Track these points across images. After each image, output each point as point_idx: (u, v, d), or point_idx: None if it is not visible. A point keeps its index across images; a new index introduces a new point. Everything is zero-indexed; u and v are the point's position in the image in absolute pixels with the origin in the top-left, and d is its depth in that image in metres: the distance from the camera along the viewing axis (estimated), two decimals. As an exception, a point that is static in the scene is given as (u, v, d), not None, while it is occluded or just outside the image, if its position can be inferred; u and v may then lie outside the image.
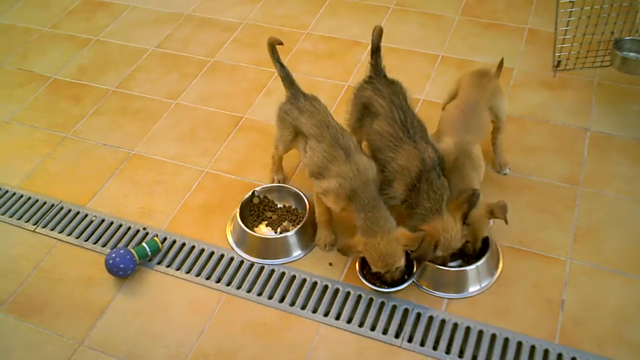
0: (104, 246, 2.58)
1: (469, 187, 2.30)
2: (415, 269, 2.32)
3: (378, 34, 2.47)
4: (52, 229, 2.66)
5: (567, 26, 2.74)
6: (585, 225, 2.51)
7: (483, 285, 2.34)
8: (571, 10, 2.69)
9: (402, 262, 2.23)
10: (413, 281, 2.36)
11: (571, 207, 2.57)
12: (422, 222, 2.25)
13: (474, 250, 2.34)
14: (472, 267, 2.32)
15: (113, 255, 2.41)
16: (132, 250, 2.45)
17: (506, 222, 2.28)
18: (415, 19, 3.63)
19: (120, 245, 2.58)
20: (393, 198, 2.32)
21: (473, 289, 2.34)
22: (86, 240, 2.61)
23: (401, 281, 2.29)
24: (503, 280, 2.36)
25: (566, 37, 2.78)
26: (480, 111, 2.49)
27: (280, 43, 2.50)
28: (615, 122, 2.91)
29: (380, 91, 2.43)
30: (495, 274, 2.38)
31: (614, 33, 2.84)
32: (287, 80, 2.53)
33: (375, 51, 2.49)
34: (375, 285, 2.32)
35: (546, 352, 2.15)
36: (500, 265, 2.40)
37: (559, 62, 2.89)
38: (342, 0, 3.82)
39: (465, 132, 2.41)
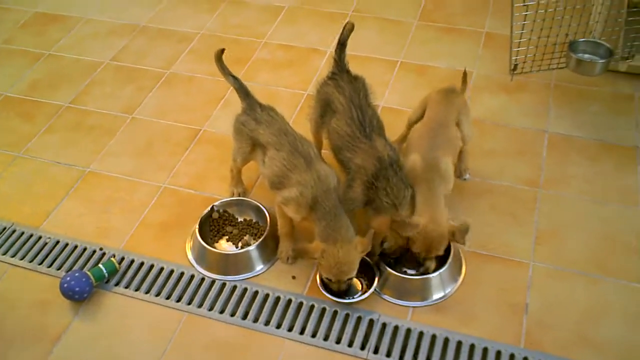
0: (59, 269, 2.50)
1: (436, 200, 2.30)
2: (377, 279, 2.30)
3: (349, 29, 2.46)
4: (4, 254, 2.56)
5: (522, 30, 2.75)
6: (546, 227, 2.51)
7: (447, 291, 2.33)
8: (526, 14, 2.70)
9: (354, 273, 2.20)
10: (376, 291, 2.33)
11: (532, 210, 2.58)
12: (378, 213, 2.23)
13: (425, 263, 2.32)
14: (435, 274, 2.30)
15: (68, 278, 2.33)
16: (87, 272, 2.37)
17: (464, 244, 2.27)
18: (373, 25, 3.62)
19: (76, 267, 2.50)
20: (354, 200, 2.29)
21: (437, 295, 2.32)
22: (40, 264, 2.52)
23: (352, 292, 2.30)
24: (467, 286, 2.34)
25: (522, 40, 2.79)
26: (449, 127, 2.48)
27: (223, 50, 2.49)
28: (572, 123, 2.93)
29: (341, 88, 2.42)
30: (459, 280, 2.36)
31: (569, 35, 2.86)
32: (242, 91, 2.50)
33: (341, 46, 2.47)
34: (334, 295, 2.29)
35: (512, 356, 2.14)
36: (463, 270, 2.39)
37: (516, 65, 2.90)
38: (300, 8, 3.79)
39: (434, 148, 2.39)
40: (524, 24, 2.73)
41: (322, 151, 2.66)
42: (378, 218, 2.25)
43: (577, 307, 2.26)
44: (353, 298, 2.28)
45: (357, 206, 2.31)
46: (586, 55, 2.84)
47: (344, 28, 2.46)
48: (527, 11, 2.68)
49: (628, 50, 2.91)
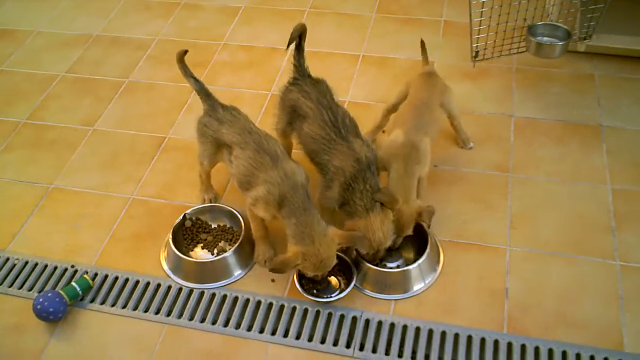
0: (30, 290, 2.42)
1: (409, 181, 2.31)
2: (354, 275, 2.29)
3: (297, 30, 2.40)
4: (-29, 279, 2.48)
5: (481, 17, 2.76)
6: (519, 211, 2.53)
7: (427, 281, 2.33)
8: (483, 1, 2.71)
9: (335, 261, 2.20)
10: (357, 286, 2.32)
11: (504, 195, 2.60)
12: (351, 217, 2.23)
13: (394, 245, 2.35)
14: (414, 265, 2.30)
15: (40, 299, 2.26)
16: (60, 291, 2.30)
17: (429, 226, 2.30)
18: (331, 20, 3.61)
19: (48, 287, 2.42)
20: (331, 199, 2.28)
21: (417, 287, 2.32)
22: (10, 286, 2.44)
23: (332, 290, 2.30)
24: (446, 275, 2.35)
25: (481, 27, 2.81)
26: (433, 108, 2.51)
27: (185, 52, 2.45)
28: (536, 105, 2.96)
29: (307, 93, 2.39)
30: (438, 269, 2.37)
31: (527, 19, 2.89)
32: (203, 92, 2.45)
33: (298, 51, 2.44)
34: (314, 295, 2.28)
35: (496, 342, 2.15)
36: (442, 259, 2.40)
37: (477, 52, 2.91)
38: (256, 8, 3.75)
39: (417, 127, 2.41)
40: (482, 10, 2.75)
41: (293, 151, 2.63)
42: (351, 222, 2.24)
43: (556, 288, 2.28)
44: (332, 297, 2.26)
45: (332, 205, 2.29)
46: (545, 39, 2.87)
47: (294, 31, 2.39)
48: (484, -2, 2.70)
49: (585, 31, 2.95)
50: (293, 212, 2.14)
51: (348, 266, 2.33)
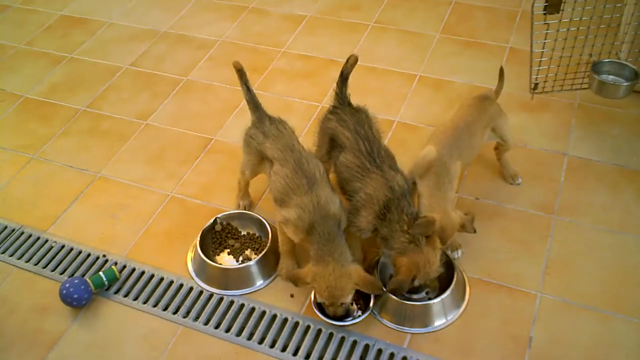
0: (62, 274, 2.50)
1: (442, 198, 2.25)
2: (372, 302, 2.23)
3: (352, 64, 2.40)
4: (11, 255, 2.58)
5: (543, 48, 2.65)
6: (558, 257, 2.41)
7: (449, 318, 2.25)
8: (547, 32, 2.59)
9: (349, 299, 2.14)
10: (374, 313, 2.26)
11: (545, 237, 2.47)
12: (401, 254, 2.15)
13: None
14: (437, 300, 2.23)
15: (67, 285, 2.33)
16: (87, 279, 2.37)
17: (474, 231, 2.24)
18: (394, 36, 3.55)
19: (78, 273, 2.50)
20: (362, 230, 2.24)
21: (439, 322, 2.24)
22: (44, 268, 2.53)
23: (348, 315, 2.23)
24: (469, 314, 2.26)
25: (543, 59, 2.69)
26: (474, 131, 2.43)
27: (239, 67, 2.44)
28: (594, 146, 2.81)
29: (345, 122, 2.36)
30: (462, 306, 2.28)
31: (592, 55, 2.75)
32: (253, 103, 2.47)
33: (343, 80, 2.42)
34: (328, 316, 2.23)
35: (511, 393, 2.06)
36: (467, 297, 2.31)
37: (536, 84, 2.79)
38: (321, 18, 3.74)
39: (452, 148, 2.34)
40: (545, 42, 2.63)
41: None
42: (403, 262, 2.14)
43: (584, 344, 2.15)
44: (346, 321, 2.21)
45: (363, 234, 2.25)
46: (610, 77, 2.73)
47: (347, 62, 2.38)
48: (547, 29, 2.58)
49: (656, 73, 2.77)
50: (318, 239, 2.12)
51: (365, 293, 2.26)
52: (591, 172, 2.70)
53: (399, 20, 3.66)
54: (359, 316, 2.22)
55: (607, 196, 2.60)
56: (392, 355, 2.17)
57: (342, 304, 2.14)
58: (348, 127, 2.33)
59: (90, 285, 2.36)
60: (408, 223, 2.14)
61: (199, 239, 2.47)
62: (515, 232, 2.50)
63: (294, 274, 2.16)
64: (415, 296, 2.31)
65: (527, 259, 2.41)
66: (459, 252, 2.44)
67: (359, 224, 2.23)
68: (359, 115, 2.37)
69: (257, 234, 2.56)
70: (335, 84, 2.44)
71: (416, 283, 2.18)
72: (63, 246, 2.60)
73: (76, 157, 2.99)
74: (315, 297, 2.25)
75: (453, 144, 2.36)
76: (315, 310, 2.23)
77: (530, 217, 2.55)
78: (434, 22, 3.62)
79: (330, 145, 2.43)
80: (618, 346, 2.14)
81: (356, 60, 2.40)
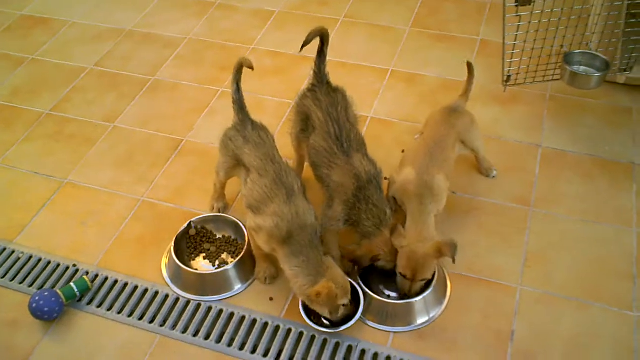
0: (30, 286, 2.41)
1: (425, 218, 2.21)
2: (361, 304, 2.19)
3: (315, 33, 2.32)
4: (-24, 268, 2.49)
5: (515, 40, 2.64)
6: (536, 249, 2.41)
7: (432, 315, 2.23)
8: (519, 24, 2.59)
9: (349, 295, 2.11)
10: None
11: (522, 230, 2.47)
12: (366, 239, 2.18)
13: (410, 291, 2.20)
14: (419, 298, 2.21)
15: (37, 298, 2.25)
16: (58, 291, 2.28)
17: (454, 261, 2.14)
18: (364, 31, 3.52)
19: (48, 284, 2.41)
20: (333, 220, 2.21)
21: (421, 320, 2.22)
22: (12, 280, 2.43)
23: (348, 319, 2.16)
24: (451, 311, 2.25)
25: (515, 51, 2.69)
26: (446, 147, 2.38)
27: (251, 67, 2.35)
28: (567, 137, 2.82)
29: (319, 101, 2.33)
30: (444, 303, 2.27)
31: (564, 46, 2.75)
32: (239, 104, 2.38)
33: (320, 56, 2.37)
34: (319, 324, 2.19)
35: (496, 388, 2.05)
36: (448, 293, 2.29)
37: (509, 76, 2.79)
38: (290, 13, 3.69)
39: (429, 165, 2.29)
40: (517, 34, 2.62)
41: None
42: (365, 243, 2.18)
43: (565, 335, 2.15)
44: (338, 327, 2.16)
45: (337, 226, 2.22)
46: (582, 68, 2.74)
47: (311, 34, 2.32)
48: (520, 21, 2.57)
49: (626, 62, 2.80)
50: (300, 251, 2.07)
51: (356, 296, 2.22)
52: (565, 163, 2.71)
53: (368, 14, 3.63)
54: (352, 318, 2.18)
55: (582, 186, 2.62)
56: (375, 355, 2.14)
57: (345, 304, 2.11)
58: (321, 108, 2.30)
59: (62, 297, 2.28)
60: (376, 209, 2.15)
61: (173, 244, 2.41)
62: (493, 225, 2.50)
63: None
64: (393, 295, 2.29)
65: (505, 251, 2.41)
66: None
67: (331, 214, 2.21)
68: (335, 96, 2.33)
69: (233, 237, 2.50)
70: (313, 63, 2.39)
71: (380, 264, 2.20)
72: (31, 256, 2.51)
73: (41, 163, 2.89)
74: (304, 306, 2.20)
75: (429, 161, 2.31)
76: (307, 321, 2.18)
77: (507, 210, 2.55)
78: (404, 16, 3.59)
79: (305, 123, 2.40)
80: (598, 335, 2.15)
81: (321, 30, 2.32)
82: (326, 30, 2.35)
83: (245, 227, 2.44)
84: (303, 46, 2.35)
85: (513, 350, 2.12)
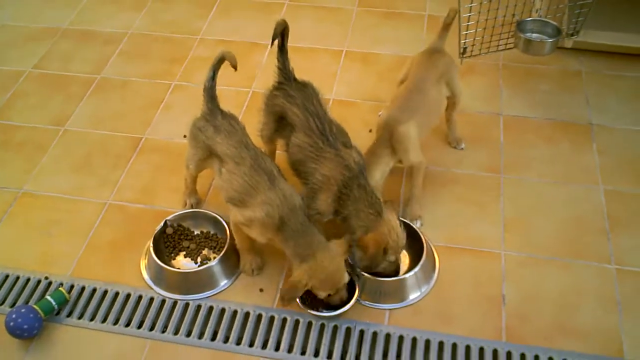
0: (1, 304, 2.26)
1: (373, 168, 2.23)
2: (357, 287, 2.19)
3: (280, 26, 2.26)
4: (-64, 293, 2.31)
5: (470, 12, 2.68)
6: (513, 214, 2.47)
7: (423, 290, 2.25)
8: (472, -4, 2.63)
9: (347, 277, 2.09)
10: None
11: (497, 197, 2.53)
12: (366, 231, 2.12)
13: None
14: (411, 273, 2.22)
15: (13, 316, 2.11)
16: (34, 306, 2.15)
17: (398, 218, 2.17)
18: (311, 14, 3.49)
19: (20, 300, 2.27)
20: (322, 214, 2.18)
21: (414, 295, 2.24)
22: (-21, 301, 2.28)
23: (345, 302, 2.14)
24: (442, 283, 2.28)
25: (470, 23, 2.73)
26: (427, 89, 2.38)
27: (234, 67, 2.29)
28: (525, 103, 2.91)
29: (292, 98, 2.27)
30: (434, 277, 2.29)
31: (515, 15, 2.82)
32: (210, 94, 2.28)
33: (282, 52, 2.31)
34: (316, 309, 2.16)
35: (495, 352, 2.09)
36: (437, 266, 2.32)
37: (465, 48, 2.83)
38: (232, 1, 3.60)
39: (402, 109, 2.28)
40: (471, 6, 2.66)
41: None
42: (370, 237, 2.11)
43: (553, 294, 2.23)
44: (334, 311, 2.15)
45: (324, 217, 2.19)
46: (534, 35, 2.81)
47: (277, 27, 2.26)
48: (473, -7, 2.62)
49: (573, 27, 2.89)
50: (292, 236, 2.03)
51: (350, 280, 2.20)
52: (527, 129, 2.80)
53: (312, -4, 3.60)
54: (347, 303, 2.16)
55: (546, 150, 2.70)
56: (375, 334, 2.14)
57: (343, 285, 2.08)
58: (296, 104, 2.25)
59: (39, 312, 2.15)
60: (372, 200, 2.12)
61: (151, 244, 2.32)
62: (469, 195, 2.54)
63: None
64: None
65: (485, 219, 2.46)
66: (419, 222, 2.44)
67: (319, 208, 2.18)
68: (307, 91, 2.28)
69: (212, 232, 2.44)
70: (276, 60, 2.33)
71: (390, 257, 2.16)
72: (-4, 274, 2.36)
73: (-9, 175, 2.71)
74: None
75: (403, 105, 2.29)
76: (302, 306, 2.16)
77: (480, 179, 2.60)
78: (349, -4, 3.59)
79: (278, 124, 2.34)
80: (584, 291, 2.23)
81: (283, 24, 2.26)
82: (287, 24, 2.29)
83: (225, 222, 2.37)
84: (273, 40, 2.29)
85: (507, 314, 2.18)
